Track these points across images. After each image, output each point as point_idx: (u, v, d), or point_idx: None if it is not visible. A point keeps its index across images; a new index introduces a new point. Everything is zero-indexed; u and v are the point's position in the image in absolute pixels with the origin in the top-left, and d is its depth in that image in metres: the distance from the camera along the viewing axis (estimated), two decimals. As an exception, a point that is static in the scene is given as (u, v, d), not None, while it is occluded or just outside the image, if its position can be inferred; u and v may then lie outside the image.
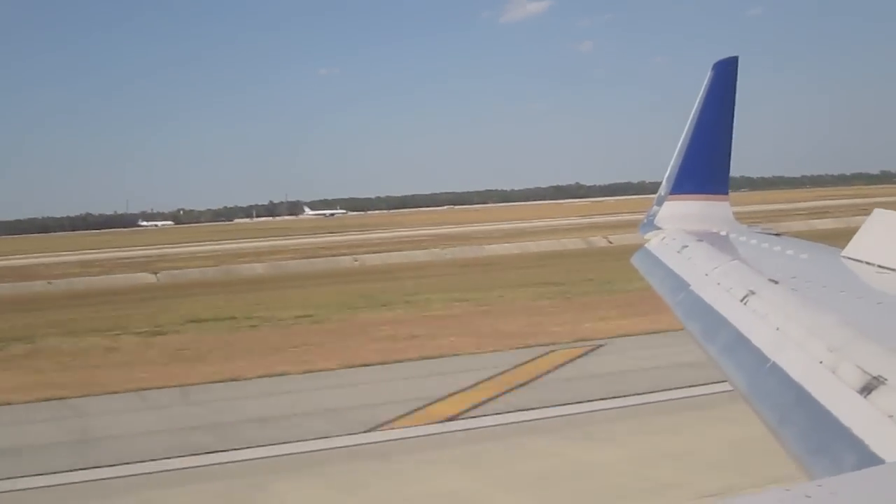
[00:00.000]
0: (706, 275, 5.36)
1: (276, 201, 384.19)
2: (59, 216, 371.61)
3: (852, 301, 3.81)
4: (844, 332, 3.11)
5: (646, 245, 8.36)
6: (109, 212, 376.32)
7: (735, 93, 8.65)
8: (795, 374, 3.13)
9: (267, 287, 45.89)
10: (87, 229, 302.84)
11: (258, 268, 60.06)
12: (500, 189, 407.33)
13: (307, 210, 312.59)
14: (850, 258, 4.63)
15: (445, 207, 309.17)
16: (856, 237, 4.68)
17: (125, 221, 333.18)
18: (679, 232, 7.95)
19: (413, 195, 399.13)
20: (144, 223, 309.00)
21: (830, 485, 2.05)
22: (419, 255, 61.81)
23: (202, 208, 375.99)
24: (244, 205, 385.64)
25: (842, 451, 2.52)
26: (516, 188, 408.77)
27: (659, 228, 8.77)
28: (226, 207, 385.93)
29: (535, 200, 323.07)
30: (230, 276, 55.93)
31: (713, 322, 4.41)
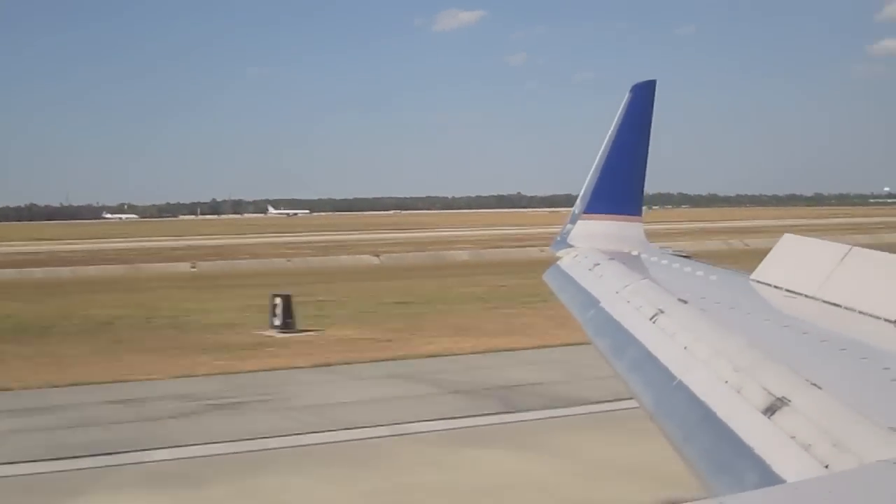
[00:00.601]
0: (617, 293, 5.39)
1: (219, 199, 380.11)
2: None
3: (759, 323, 3.86)
4: (751, 353, 3.14)
5: (558, 262, 8.41)
6: (51, 203, 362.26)
7: (651, 115, 8.79)
8: (701, 392, 3.14)
9: (479, 272, 46.67)
10: (32, 220, 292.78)
11: (463, 255, 63.10)
12: (442, 196, 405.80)
13: (271, 209, 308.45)
14: (759, 282, 4.71)
15: (392, 212, 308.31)
16: (765, 261, 4.76)
17: (70, 213, 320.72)
18: (591, 250, 8.02)
19: (357, 198, 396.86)
20: (109, 216, 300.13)
21: (732, 502, 2.04)
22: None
23: (146, 203, 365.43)
24: (186, 202, 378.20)
25: (744, 470, 2.53)
26: (457, 195, 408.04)
27: (571, 246, 8.83)
28: (168, 204, 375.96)
29: (477, 208, 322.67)
30: (440, 262, 57.75)
31: (622, 339, 4.43)
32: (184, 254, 67.79)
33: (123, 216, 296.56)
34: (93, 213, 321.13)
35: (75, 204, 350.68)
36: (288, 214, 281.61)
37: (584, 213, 9.36)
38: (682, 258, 7.29)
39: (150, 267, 58.12)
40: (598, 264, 6.94)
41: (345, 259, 63.17)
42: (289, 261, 61.10)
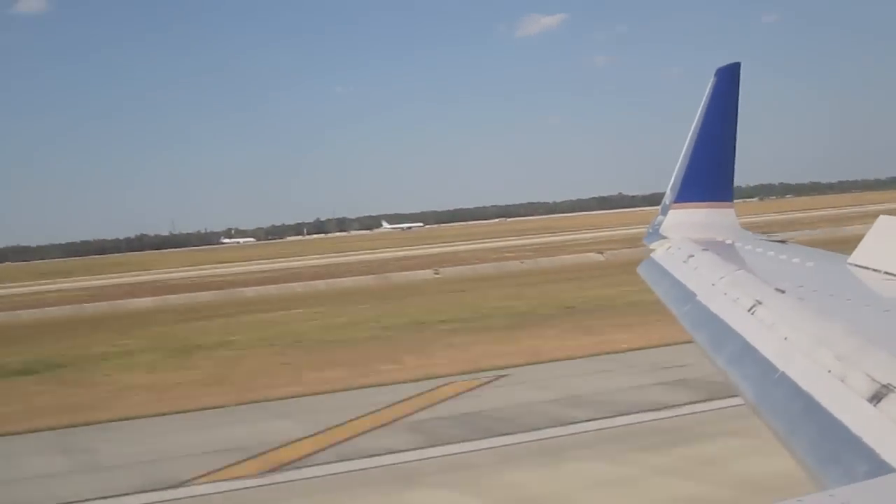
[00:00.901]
0: (713, 285, 5.35)
1: (322, 219, 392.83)
2: (110, 238, 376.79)
3: (859, 309, 3.80)
4: (852, 340, 3.10)
5: (651, 255, 8.33)
6: (160, 232, 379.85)
7: (738, 99, 8.63)
8: (804, 383, 3.12)
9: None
10: (142, 249, 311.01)
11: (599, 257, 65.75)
12: (544, 201, 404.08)
13: (385, 224, 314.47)
14: (856, 265, 4.62)
15: (497, 220, 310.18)
16: (861, 244, 4.67)
17: (179, 241, 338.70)
18: (685, 241, 7.92)
19: (459, 209, 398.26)
20: (226, 240, 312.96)
21: (842, 494, 2.04)
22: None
23: (251, 227, 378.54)
24: (290, 223, 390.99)
25: (853, 461, 2.51)
26: (558, 200, 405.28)
27: (664, 238, 8.74)
28: (273, 226, 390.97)
29: (579, 211, 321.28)
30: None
31: (720, 333, 4.40)
32: (413, 262, 73.94)
33: (241, 240, 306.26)
34: (201, 239, 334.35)
35: (184, 231, 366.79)
36: (403, 228, 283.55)
37: (675, 202, 9.25)
38: (776, 244, 7.16)
39: (398, 276, 63.19)
40: (693, 256, 6.87)
41: (568, 258, 66.41)
42: (522, 262, 65.61)
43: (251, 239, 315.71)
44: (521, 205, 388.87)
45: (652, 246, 8.80)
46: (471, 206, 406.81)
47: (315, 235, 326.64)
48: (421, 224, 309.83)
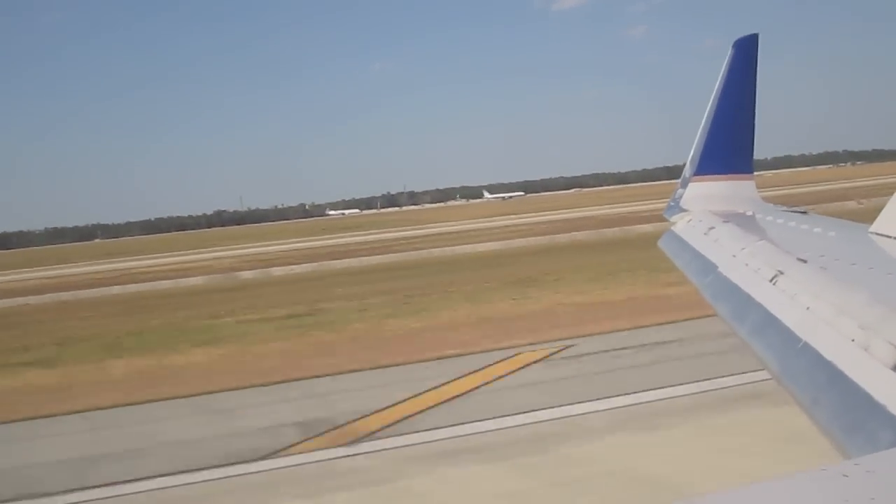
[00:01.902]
0: (734, 256, 5.34)
1: (393, 192, 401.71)
2: (186, 215, 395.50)
3: (882, 277, 3.78)
4: (875, 309, 3.09)
5: (672, 228, 8.31)
6: (227, 209, 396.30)
7: (756, 70, 8.56)
8: (827, 352, 3.12)
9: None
10: (223, 225, 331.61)
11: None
12: (614, 171, 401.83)
13: (486, 194, 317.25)
14: (878, 234, 4.59)
15: (574, 190, 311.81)
16: (883, 212, 4.64)
17: (258, 217, 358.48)
18: (705, 213, 7.90)
19: (526, 181, 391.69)
20: (332, 212, 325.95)
21: (867, 463, 2.05)
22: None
23: (327, 201, 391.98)
24: (360, 197, 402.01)
25: (877, 429, 2.51)
26: (624, 170, 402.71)
27: (684, 211, 8.72)
28: (343, 200, 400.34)
29: (648, 181, 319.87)
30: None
31: (742, 303, 4.39)
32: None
33: (346, 211, 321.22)
34: (305, 212, 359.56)
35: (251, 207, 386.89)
36: (504, 198, 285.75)
37: (695, 175, 9.21)
38: (797, 214, 7.13)
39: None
40: (713, 228, 6.85)
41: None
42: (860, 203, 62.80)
43: (355, 210, 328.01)
44: (589, 175, 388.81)
45: (672, 219, 8.78)
46: (538, 178, 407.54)
47: (390, 209, 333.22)
48: (522, 193, 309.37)
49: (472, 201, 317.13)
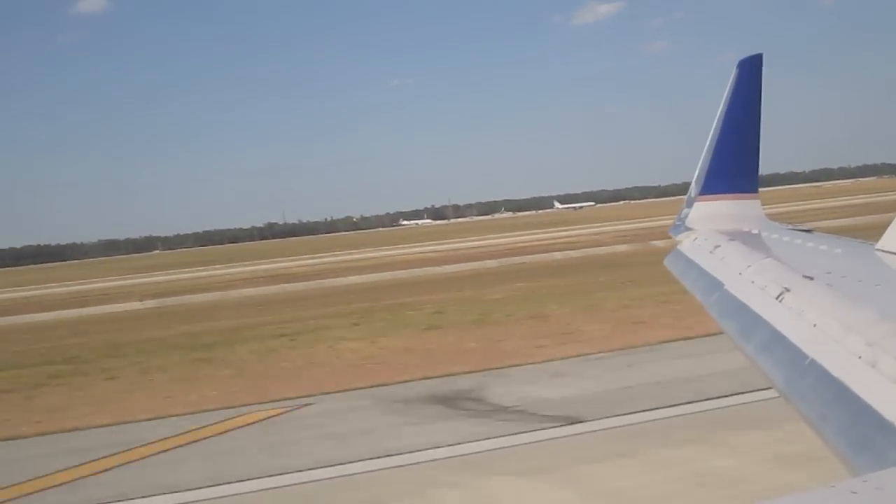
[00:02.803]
0: (740, 274, 5.32)
1: (437, 205, 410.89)
2: (239, 228, 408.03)
3: (889, 294, 3.77)
4: (882, 326, 3.08)
5: (678, 247, 8.32)
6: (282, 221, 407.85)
7: (761, 90, 8.59)
8: (834, 369, 3.10)
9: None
10: (274, 237, 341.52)
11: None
12: (653, 185, 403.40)
13: (557, 204, 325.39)
14: (884, 251, 4.58)
15: (622, 203, 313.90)
16: (890, 229, 4.62)
17: (309, 229, 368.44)
18: (711, 232, 7.90)
19: (570, 193, 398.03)
20: (405, 222, 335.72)
21: (876, 480, 2.03)
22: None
23: (369, 214, 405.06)
24: (406, 209, 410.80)
25: (886, 446, 2.49)
26: (664, 183, 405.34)
27: (690, 229, 8.72)
28: (388, 214, 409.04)
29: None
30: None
31: (749, 321, 4.38)
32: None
33: (420, 221, 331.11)
34: (378, 223, 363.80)
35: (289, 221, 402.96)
36: (575, 208, 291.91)
37: (700, 194, 9.22)
38: (803, 232, 7.12)
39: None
40: (719, 246, 6.84)
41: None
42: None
43: (428, 220, 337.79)
44: (634, 188, 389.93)
45: (678, 238, 8.78)
46: (579, 192, 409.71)
47: (437, 221, 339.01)
48: (593, 203, 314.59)
49: (518, 214, 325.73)
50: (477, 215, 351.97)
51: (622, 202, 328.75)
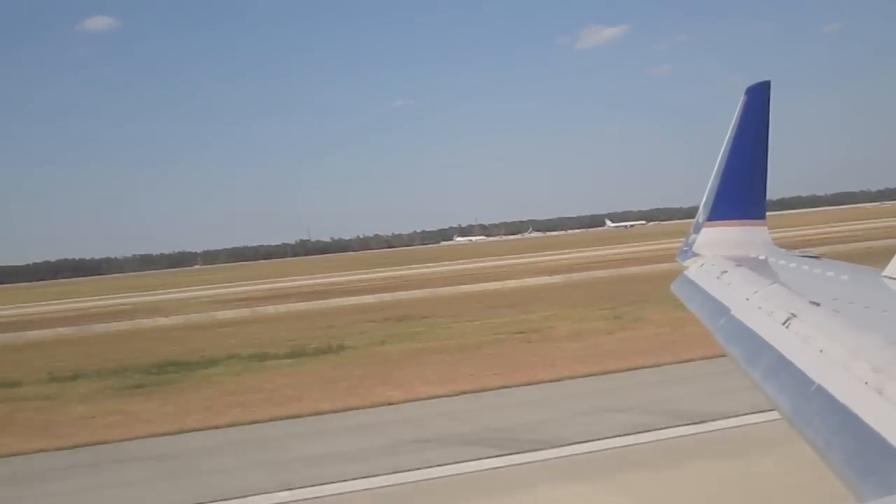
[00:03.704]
0: (747, 299, 5.31)
1: (463, 225, 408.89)
2: (273, 244, 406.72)
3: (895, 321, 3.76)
4: (889, 352, 3.07)
5: (685, 272, 8.31)
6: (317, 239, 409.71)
7: (769, 117, 8.61)
8: (841, 395, 3.09)
9: None
10: (307, 255, 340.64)
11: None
12: (678, 207, 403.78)
13: (608, 222, 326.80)
14: (891, 277, 4.57)
15: (653, 223, 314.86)
16: None
17: (341, 247, 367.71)
18: (718, 258, 7.90)
19: (595, 214, 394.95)
20: (459, 238, 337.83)
21: None
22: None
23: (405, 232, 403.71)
24: (432, 229, 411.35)
25: (891, 472, 2.49)
26: (685, 206, 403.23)
27: (697, 255, 8.72)
28: (416, 232, 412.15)
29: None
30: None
31: (755, 346, 4.37)
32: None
33: (474, 238, 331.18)
34: (360, 244, 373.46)
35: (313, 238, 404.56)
36: (626, 226, 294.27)
37: (708, 220, 9.22)
38: (810, 259, 7.11)
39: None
40: (726, 272, 6.84)
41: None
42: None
43: (482, 237, 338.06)
44: (660, 210, 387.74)
45: (685, 263, 8.78)
46: (603, 212, 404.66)
47: (490, 238, 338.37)
48: (643, 222, 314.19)
49: (549, 232, 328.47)
50: (505, 234, 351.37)
51: (653, 223, 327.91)
